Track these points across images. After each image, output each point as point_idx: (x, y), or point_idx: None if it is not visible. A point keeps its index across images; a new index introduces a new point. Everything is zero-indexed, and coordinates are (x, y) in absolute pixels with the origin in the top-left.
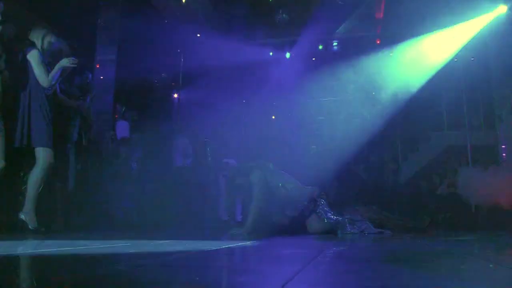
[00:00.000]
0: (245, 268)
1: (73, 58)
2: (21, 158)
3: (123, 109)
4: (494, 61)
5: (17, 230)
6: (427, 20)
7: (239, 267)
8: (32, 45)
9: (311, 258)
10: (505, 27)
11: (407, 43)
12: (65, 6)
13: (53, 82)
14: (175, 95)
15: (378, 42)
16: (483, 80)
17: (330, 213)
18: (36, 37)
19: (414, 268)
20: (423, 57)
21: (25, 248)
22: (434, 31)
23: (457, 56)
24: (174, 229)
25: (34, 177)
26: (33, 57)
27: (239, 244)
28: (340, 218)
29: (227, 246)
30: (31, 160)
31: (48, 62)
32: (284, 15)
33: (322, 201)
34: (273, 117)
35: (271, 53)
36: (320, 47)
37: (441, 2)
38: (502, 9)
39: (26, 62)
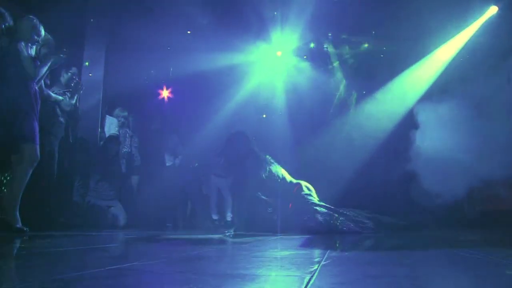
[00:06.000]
0: (250, 273)
1: (62, 52)
2: (5, 153)
3: (107, 106)
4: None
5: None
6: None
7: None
8: (19, 36)
9: (317, 260)
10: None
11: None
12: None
13: (40, 76)
14: (165, 93)
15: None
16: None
17: (326, 211)
18: (24, 29)
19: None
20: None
21: None
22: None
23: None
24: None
25: (18, 174)
26: (20, 49)
27: (233, 244)
28: (335, 216)
29: (221, 247)
30: (15, 156)
31: (35, 55)
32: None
33: (310, 197)
34: (264, 115)
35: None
36: (312, 45)
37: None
38: (493, 10)
39: (12, 54)
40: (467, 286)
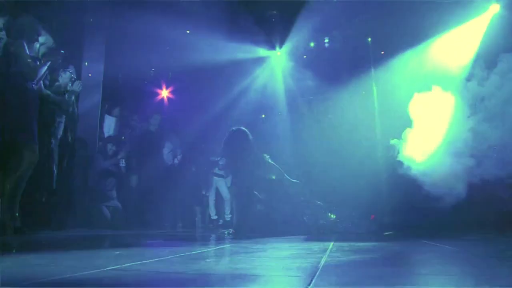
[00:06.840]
0: (250, 273)
1: (61, 51)
2: (5, 153)
3: (106, 106)
4: None
5: None
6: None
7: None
8: (19, 36)
9: (317, 260)
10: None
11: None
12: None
13: (39, 76)
14: (164, 93)
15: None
16: None
17: (325, 211)
18: (23, 28)
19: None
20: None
21: None
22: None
23: None
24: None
25: (18, 174)
26: (19, 48)
27: (232, 244)
28: (335, 217)
29: (221, 247)
30: (15, 156)
31: (34, 55)
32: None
33: (309, 197)
34: (263, 116)
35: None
36: (312, 44)
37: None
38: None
39: (11, 53)
40: (468, 285)
